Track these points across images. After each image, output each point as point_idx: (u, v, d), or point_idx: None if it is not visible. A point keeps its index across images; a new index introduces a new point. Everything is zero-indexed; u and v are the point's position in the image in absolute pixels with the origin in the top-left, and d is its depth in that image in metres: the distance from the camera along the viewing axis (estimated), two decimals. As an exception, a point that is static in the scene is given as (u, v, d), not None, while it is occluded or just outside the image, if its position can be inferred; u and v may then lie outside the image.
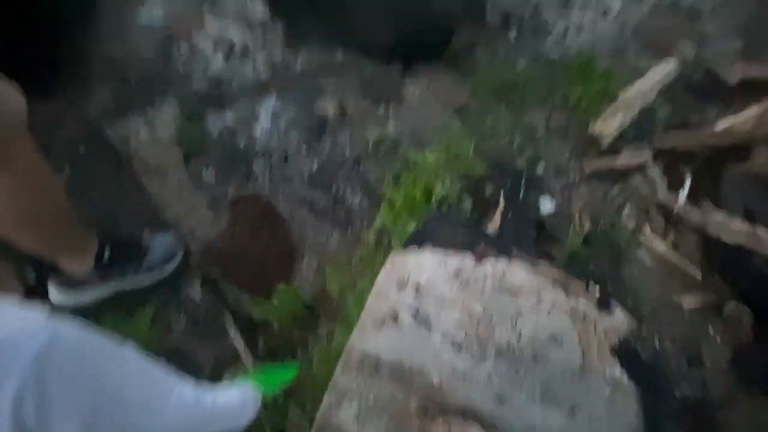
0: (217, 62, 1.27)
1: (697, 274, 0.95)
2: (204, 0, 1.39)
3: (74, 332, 0.37)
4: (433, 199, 0.96)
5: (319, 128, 1.18)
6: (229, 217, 1.06)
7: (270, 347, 0.92)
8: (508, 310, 0.76)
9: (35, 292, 0.84)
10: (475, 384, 0.70)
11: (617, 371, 0.71)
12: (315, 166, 1.11)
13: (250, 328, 0.94)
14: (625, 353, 0.73)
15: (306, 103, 1.23)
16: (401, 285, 0.80)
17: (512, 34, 1.43)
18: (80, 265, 0.82)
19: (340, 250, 1.02)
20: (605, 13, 1.41)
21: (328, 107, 1.22)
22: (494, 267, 0.81)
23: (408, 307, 0.77)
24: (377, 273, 0.82)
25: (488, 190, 1.04)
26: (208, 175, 1.13)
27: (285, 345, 0.92)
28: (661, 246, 1.00)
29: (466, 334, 0.74)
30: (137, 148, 1.13)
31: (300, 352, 0.91)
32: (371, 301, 0.79)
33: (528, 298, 0.78)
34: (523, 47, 1.40)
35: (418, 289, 0.79)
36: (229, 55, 1.28)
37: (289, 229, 1.04)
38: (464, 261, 0.82)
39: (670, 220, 1.03)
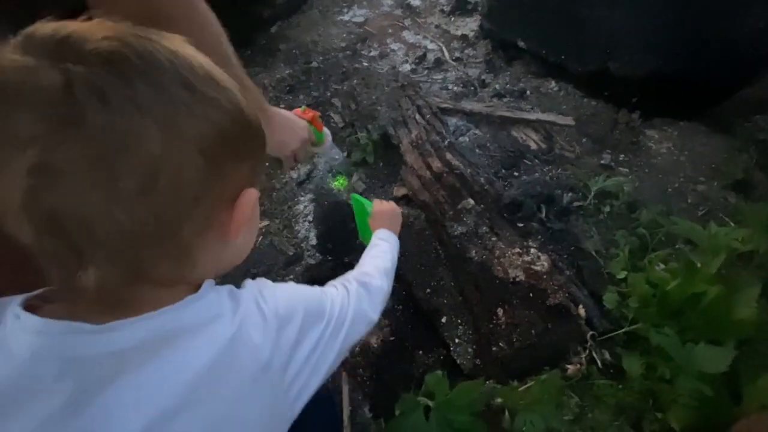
0: (405, 67, 1.10)
1: None
2: (408, 11, 1.29)
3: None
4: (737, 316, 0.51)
5: (513, 158, 0.86)
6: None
7: None
8: None
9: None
10: None
11: None
12: (501, 203, 0.78)
13: None
14: None
15: (497, 126, 0.94)
16: None
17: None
18: None
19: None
20: None
21: (530, 136, 0.91)
22: None
23: None
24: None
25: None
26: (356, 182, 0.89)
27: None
28: None
29: None
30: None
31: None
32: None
33: None
34: None
35: None
36: (419, 62, 1.11)
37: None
38: None
39: None
